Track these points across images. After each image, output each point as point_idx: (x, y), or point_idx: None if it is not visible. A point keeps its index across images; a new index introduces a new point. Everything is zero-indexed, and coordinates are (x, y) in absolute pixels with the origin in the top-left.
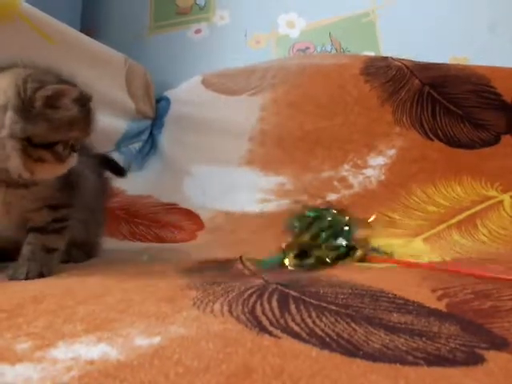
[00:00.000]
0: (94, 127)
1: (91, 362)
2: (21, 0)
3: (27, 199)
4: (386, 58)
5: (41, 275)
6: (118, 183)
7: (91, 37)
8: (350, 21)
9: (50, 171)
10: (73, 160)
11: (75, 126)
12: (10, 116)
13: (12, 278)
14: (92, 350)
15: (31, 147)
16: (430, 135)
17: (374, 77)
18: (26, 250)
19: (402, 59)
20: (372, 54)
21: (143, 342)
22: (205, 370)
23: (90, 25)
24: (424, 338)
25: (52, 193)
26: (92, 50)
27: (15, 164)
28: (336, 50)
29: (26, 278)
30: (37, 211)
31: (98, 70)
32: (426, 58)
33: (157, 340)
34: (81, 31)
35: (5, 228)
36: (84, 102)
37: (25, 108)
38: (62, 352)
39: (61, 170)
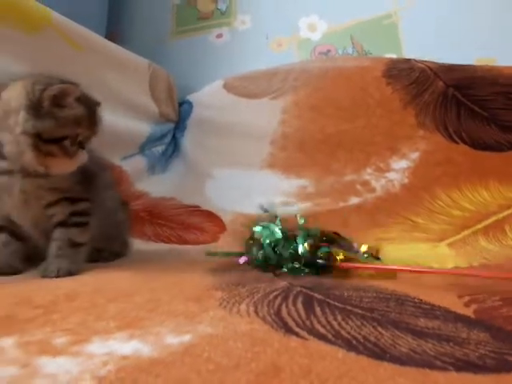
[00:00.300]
0: (100, 128)
1: (125, 358)
2: (52, 11)
3: (44, 189)
4: (409, 60)
5: (70, 273)
6: (141, 186)
7: (116, 41)
8: (372, 23)
9: (60, 166)
10: (82, 156)
11: (80, 124)
12: (22, 115)
13: (44, 276)
14: (125, 346)
15: (41, 142)
16: (455, 138)
17: (396, 79)
18: (53, 246)
19: (426, 61)
20: (394, 56)
21: (174, 340)
22: (235, 367)
23: (115, 30)
24: (452, 344)
25: (69, 185)
26: (117, 55)
27: (29, 158)
28: (358, 52)
29: (57, 276)
30: (55, 204)
31: (123, 75)
32: (450, 60)
33: (186, 338)
34: (106, 36)
35: (25, 221)
36: (89, 103)
37: (34, 107)
38: (97, 347)
39: (71, 165)
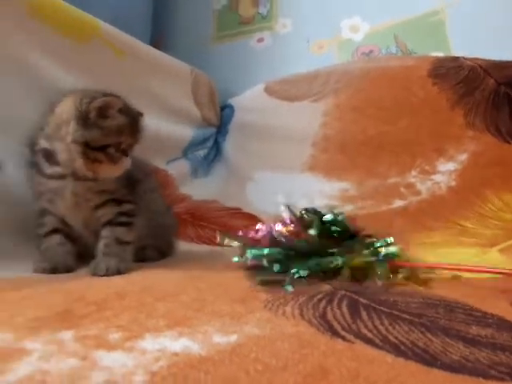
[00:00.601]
0: (142, 136)
1: (176, 354)
2: (100, 21)
3: (93, 191)
4: (457, 57)
5: (118, 272)
6: (185, 189)
7: (160, 48)
8: (417, 21)
9: (107, 171)
10: (126, 162)
11: (123, 133)
12: (72, 126)
13: (94, 274)
14: (175, 343)
15: (89, 150)
16: (507, 138)
17: (443, 79)
18: (101, 244)
19: (475, 58)
20: (441, 54)
21: (221, 339)
22: (283, 368)
23: (158, 36)
24: (508, 353)
25: (115, 188)
26: (160, 62)
27: (79, 164)
28: (402, 51)
29: (106, 275)
30: (103, 206)
31: (166, 81)
32: (501, 57)
33: (233, 338)
34: (150, 43)
35: (76, 222)
36: (132, 113)
37: (82, 118)
38: (150, 343)
39: (116, 170)
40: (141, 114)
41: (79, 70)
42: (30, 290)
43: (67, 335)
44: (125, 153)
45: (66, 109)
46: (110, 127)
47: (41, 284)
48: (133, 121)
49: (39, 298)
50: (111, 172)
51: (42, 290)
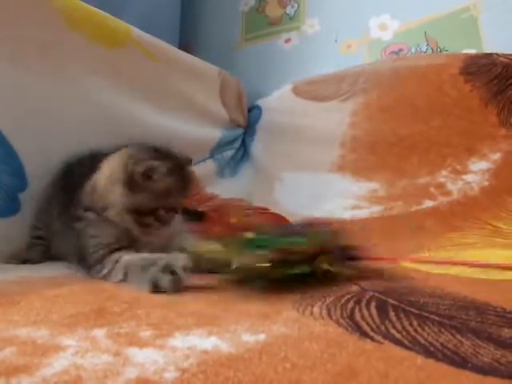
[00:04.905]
0: (192, 189)
1: (206, 352)
2: (131, 26)
3: None
4: (491, 54)
5: None
6: (211, 189)
7: (188, 50)
8: (448, 18)
9: (158, 234)
10: (175, 221)
11: (171, 193)
12: (120, 191)
13: None
14: (205, 341)
15: (141, 216)
16: None
17: (475, 76)
18: None
19: (509, 54)
20: (473, 51)
21: (250, 338)
22: (311, 367)
23: (187, 39)
24: None
25: None
26: (189, 64)
27: (136, 232)
28: (432, 49)
29: None
30: None
31: (195, 83)
32: None
33: (262, 337)
34: (179, 46)
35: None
36: (179, 168)
37: (129, 182)
38: (179, 341)
39: (166, 231)
40: (189, 161)
41: (113, 76)
42: (64, 288)
43: (101, 332)
44: (175, 211)
45: (116, 167)
46: (157, 190)
47: (75, 283)
48: (181, 178)
49: (74, 297)
50: (162, 233)
51: (76, 289)
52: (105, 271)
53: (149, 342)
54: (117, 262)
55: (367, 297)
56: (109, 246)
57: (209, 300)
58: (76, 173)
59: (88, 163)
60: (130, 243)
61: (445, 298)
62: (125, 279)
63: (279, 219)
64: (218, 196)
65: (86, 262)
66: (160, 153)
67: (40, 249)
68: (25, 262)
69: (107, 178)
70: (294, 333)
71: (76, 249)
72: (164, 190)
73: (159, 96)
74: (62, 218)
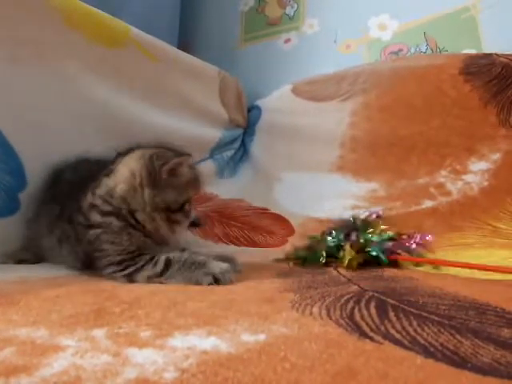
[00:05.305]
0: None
1: (205, 352)
2: (130, 26)
3: None
4: (490, 54)
5: None
6: (210, 189)
7: (187, 50)
8: (448, 18)
9: (183, 228)
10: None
11: (191, 187)
12: (148, 193)
13: None
14: (204, 341)
15: (171, 213)
16: None
17: (475, 76)
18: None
19: (509, 55)
20: (473, 51)
21: (249, 338)
22: (310, 368)
23: (186, 39)
24: None
25: None
26: (189, 64)
27: (164, 231)
28: (432, 49)
29: None
30: None
31: (195, 83)
32: None
33: (262, 337)
34: (178, 45)
35: None
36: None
37: (156, 182)
38: (179, 341)
39: (186, 224)
40: (190, 156)
41: (112, 77)
42: (64, 288)
43: (100, 332)
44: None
45: (137, 169)
46: (182, 184)
47: (75, 283)
48: (196, 171)
49: (73, 297)
50: (184, 227)
51: (76, 289)
52: (131, 269)
53: (148, 342)
54: (152, 259)
55: (367, 297)
56: (132, 253)
57: (208, 300)
58: (66, 181)
59: (80, 169)
60: (148, 248)
61: (444, 298)
62: (162, 274)
63: (279, 219)
64: (218, 196)
65: (101, 263)
66: (173, 150)
67: (35, 250)
68: (20, 262)
69: (128, 182)
70: (294, 333)
71: (84, 254)
72: (186, 184)
73: (158, 96)
74: (58, 228)
